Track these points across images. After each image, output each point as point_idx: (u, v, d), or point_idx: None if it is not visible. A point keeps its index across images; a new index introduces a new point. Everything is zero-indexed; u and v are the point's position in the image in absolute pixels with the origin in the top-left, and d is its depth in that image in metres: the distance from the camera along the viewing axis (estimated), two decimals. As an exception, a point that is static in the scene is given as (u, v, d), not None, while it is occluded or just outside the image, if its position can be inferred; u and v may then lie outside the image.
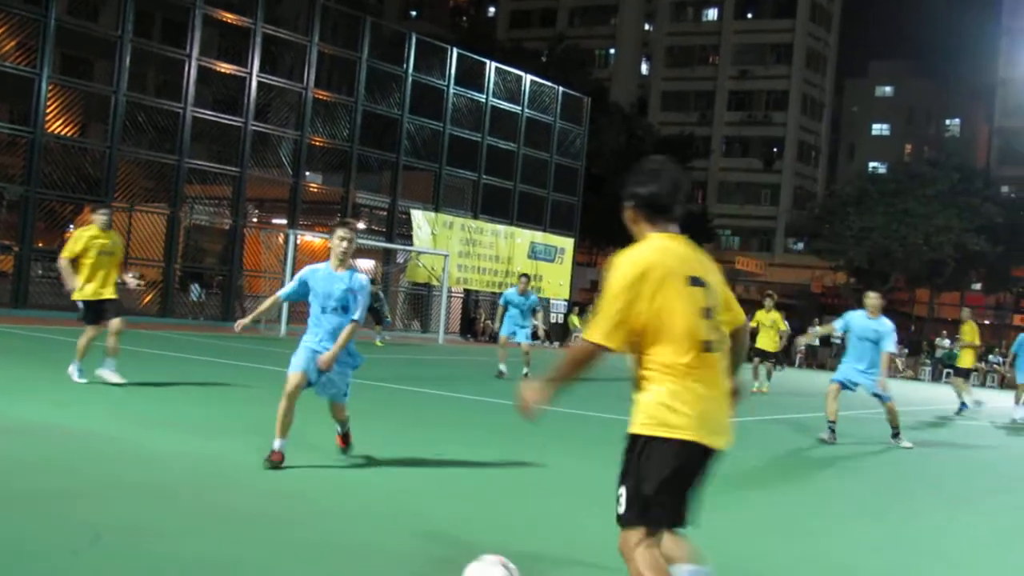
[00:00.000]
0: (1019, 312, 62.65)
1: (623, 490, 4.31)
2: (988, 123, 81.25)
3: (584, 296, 47.00)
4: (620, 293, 4.29)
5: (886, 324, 13.90)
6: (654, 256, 4.35)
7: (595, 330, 4.32)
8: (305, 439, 9.11)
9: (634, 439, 4.33)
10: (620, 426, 4.56)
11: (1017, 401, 22.02)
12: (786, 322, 23.85)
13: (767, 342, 22.78)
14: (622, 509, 4.31)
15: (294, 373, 8.42)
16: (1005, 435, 18.92)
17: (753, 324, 22.32)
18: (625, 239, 4.41)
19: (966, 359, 23.47)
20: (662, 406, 4.27)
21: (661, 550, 4.33)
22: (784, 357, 34.97)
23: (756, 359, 22.81)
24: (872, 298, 14.14)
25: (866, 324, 13.94)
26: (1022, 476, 13.43)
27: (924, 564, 7.29)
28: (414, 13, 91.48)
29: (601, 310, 4.34)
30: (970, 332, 23.03)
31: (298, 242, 30.83)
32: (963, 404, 22.43)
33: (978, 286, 64.11)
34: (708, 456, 4.34)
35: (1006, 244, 52.30)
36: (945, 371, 40.25)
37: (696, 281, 4.37)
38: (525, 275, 20.82)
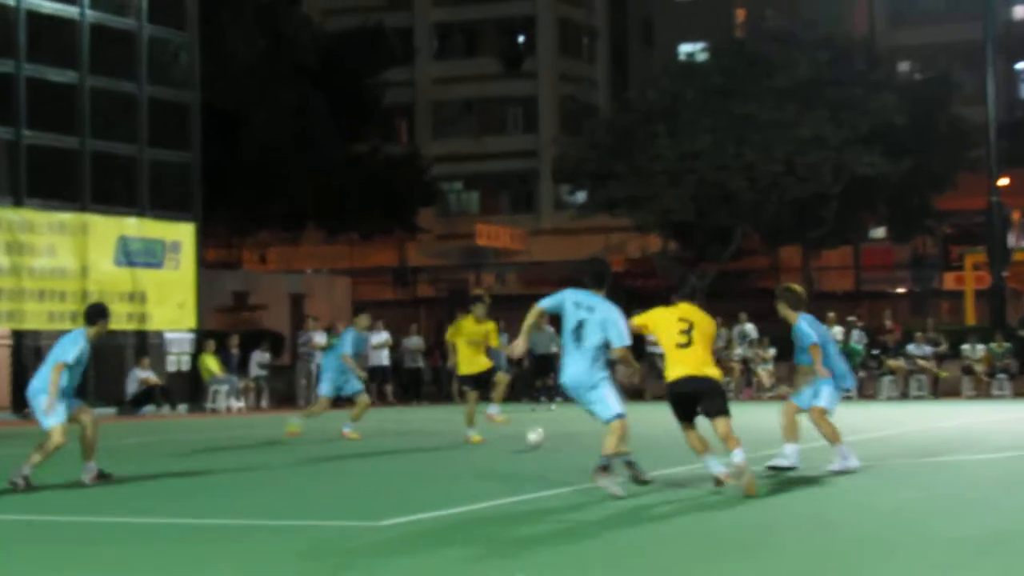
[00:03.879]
0: (950, 269, 43.40)
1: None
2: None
3: (223, 320, 30.52)
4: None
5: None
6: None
7: None
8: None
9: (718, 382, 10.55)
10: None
11: None
12: None
13: None
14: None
15: None
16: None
17: None
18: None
19: None
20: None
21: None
22: None
23: None
24: None
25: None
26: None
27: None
28: None
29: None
30: None
31: None
32: None
33: (880, 232, 46.85)
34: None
35: (915, 157, 35.67)
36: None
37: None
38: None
